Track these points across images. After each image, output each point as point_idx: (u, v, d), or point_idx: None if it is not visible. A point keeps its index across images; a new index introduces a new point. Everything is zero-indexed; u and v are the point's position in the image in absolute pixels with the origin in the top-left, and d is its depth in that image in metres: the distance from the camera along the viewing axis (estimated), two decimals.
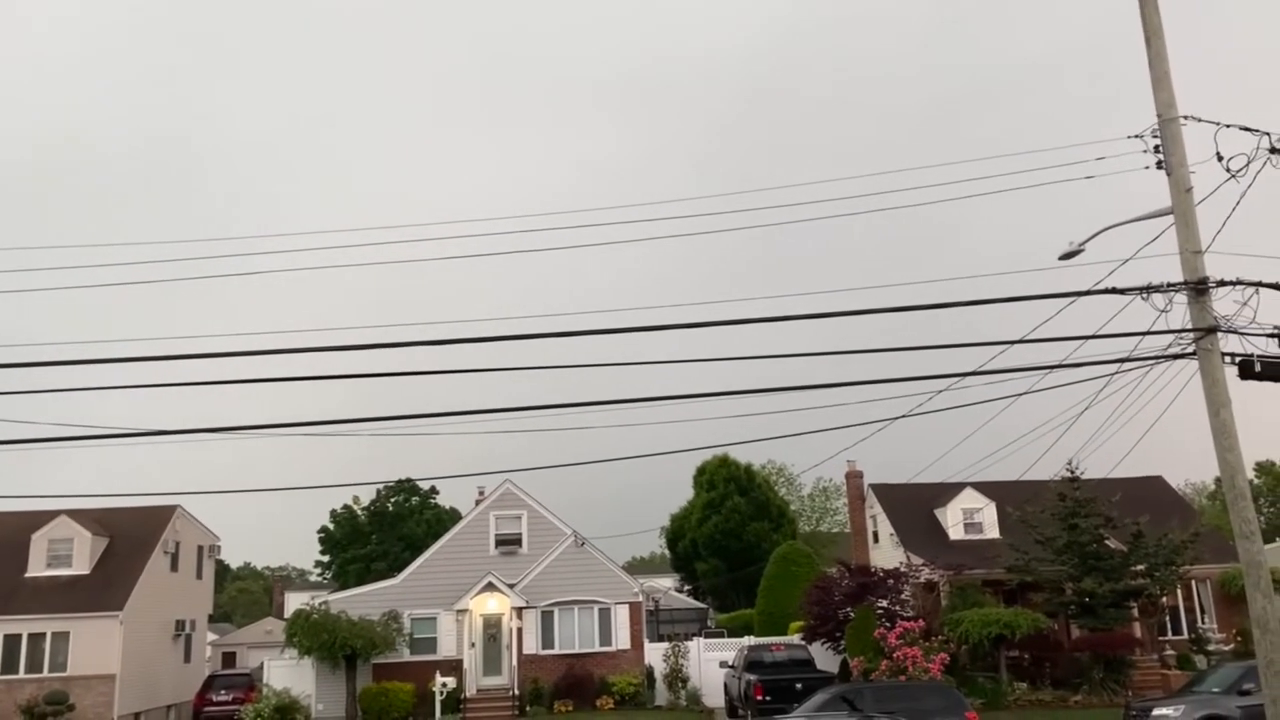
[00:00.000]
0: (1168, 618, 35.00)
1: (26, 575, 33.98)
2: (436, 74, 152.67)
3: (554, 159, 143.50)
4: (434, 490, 66.60)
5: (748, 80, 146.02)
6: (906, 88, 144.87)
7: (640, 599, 34.75)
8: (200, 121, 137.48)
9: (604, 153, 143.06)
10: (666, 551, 65.77)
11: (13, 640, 32.12)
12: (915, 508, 39.31)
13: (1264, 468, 62.02)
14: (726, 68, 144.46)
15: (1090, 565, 30.85)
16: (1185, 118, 12.57)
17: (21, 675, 31.71)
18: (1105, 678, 29.31)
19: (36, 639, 32.22)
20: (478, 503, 37.13)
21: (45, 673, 31.81)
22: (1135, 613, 32.19)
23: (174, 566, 37.85)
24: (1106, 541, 31.46)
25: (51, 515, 34.56)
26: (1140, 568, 31.04)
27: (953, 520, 38.16)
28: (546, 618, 33.52)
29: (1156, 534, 31.30)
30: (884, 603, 31.10)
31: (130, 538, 35.82)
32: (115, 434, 13.76)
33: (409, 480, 60.79)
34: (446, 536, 36.23)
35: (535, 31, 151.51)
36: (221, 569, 74.58)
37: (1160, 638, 34.13)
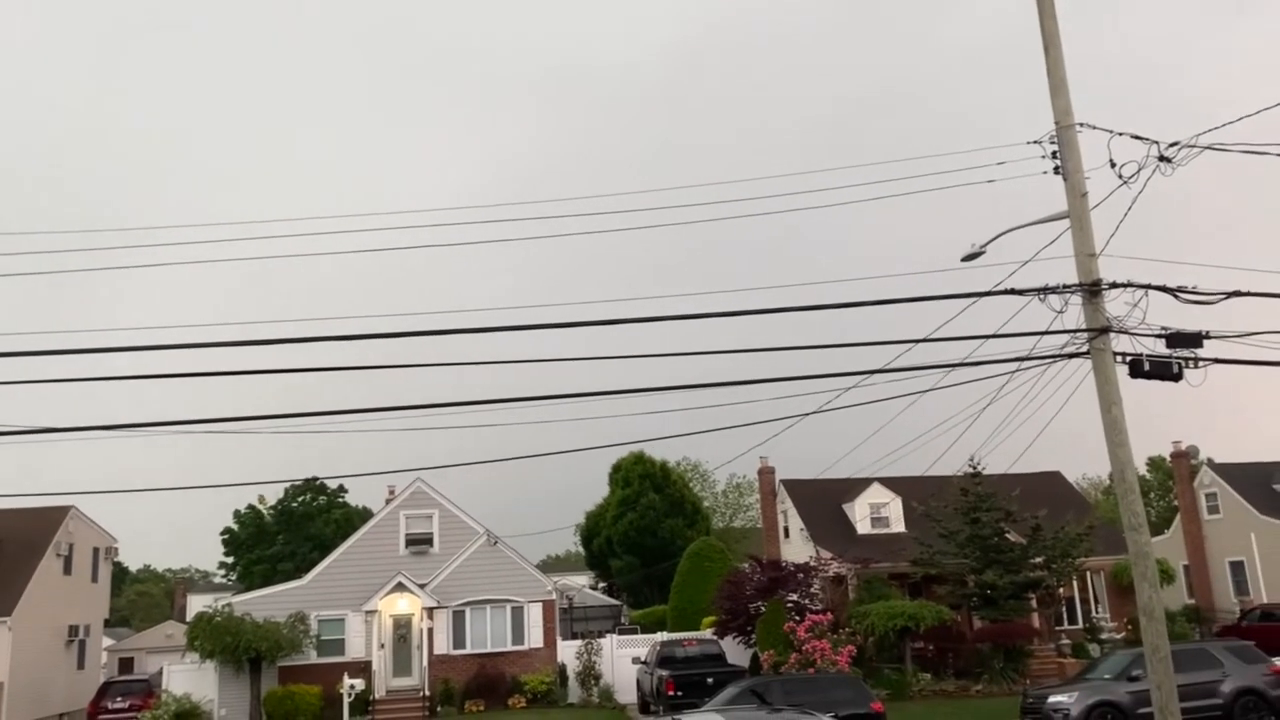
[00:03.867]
0: (1064, 608, 36.30)
1: None
2: (337, 69, 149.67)
3: (460, 157, 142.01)
4: (342, 489, 65.28)
5: (661, 80, 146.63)
6: (810, 90, 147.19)
7: (554, 597, 34.64)
8: (99, 109, 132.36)
9: (512, 151, 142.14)
10: (581, 549, 65.66)
11: None
12: (824, 503, 39.96)
13: (1155, 463, 64.60)
14: (638, 68, 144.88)
15: (991, 558, 31.78)
16: (1081, 125, 13.00)
17: None
18: (1005, 667, 30.23)
19: None
20: (388, 502, 36.52)
21: None
22: (1034, 604, 33.28)
23: (67, 569, 36.41)
24: (1007, 535, 32.45)
25: None
26: (1039, 560, 32.09)
27: (860, 515, 38.91)
28: (458, 617, 33.17)
29: (1054, 527, 32.40)
30: (794, 597, 31.57)
31: (19, 540, 34.33)
32: (3, 431, 13.14)
33: (316, 479, 59.47)
34: (355, 536, 35.55)
35: (454, 30, 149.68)
36: (120, 572, 72.08)
37: (1057, 627, 35.37)
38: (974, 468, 32.09)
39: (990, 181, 14.77)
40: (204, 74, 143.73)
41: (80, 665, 37.90)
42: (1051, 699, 20.98)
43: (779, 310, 12.83)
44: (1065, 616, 36.39)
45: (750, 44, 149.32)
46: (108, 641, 51.27)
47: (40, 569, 33.76)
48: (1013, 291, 13.56)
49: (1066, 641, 34.18)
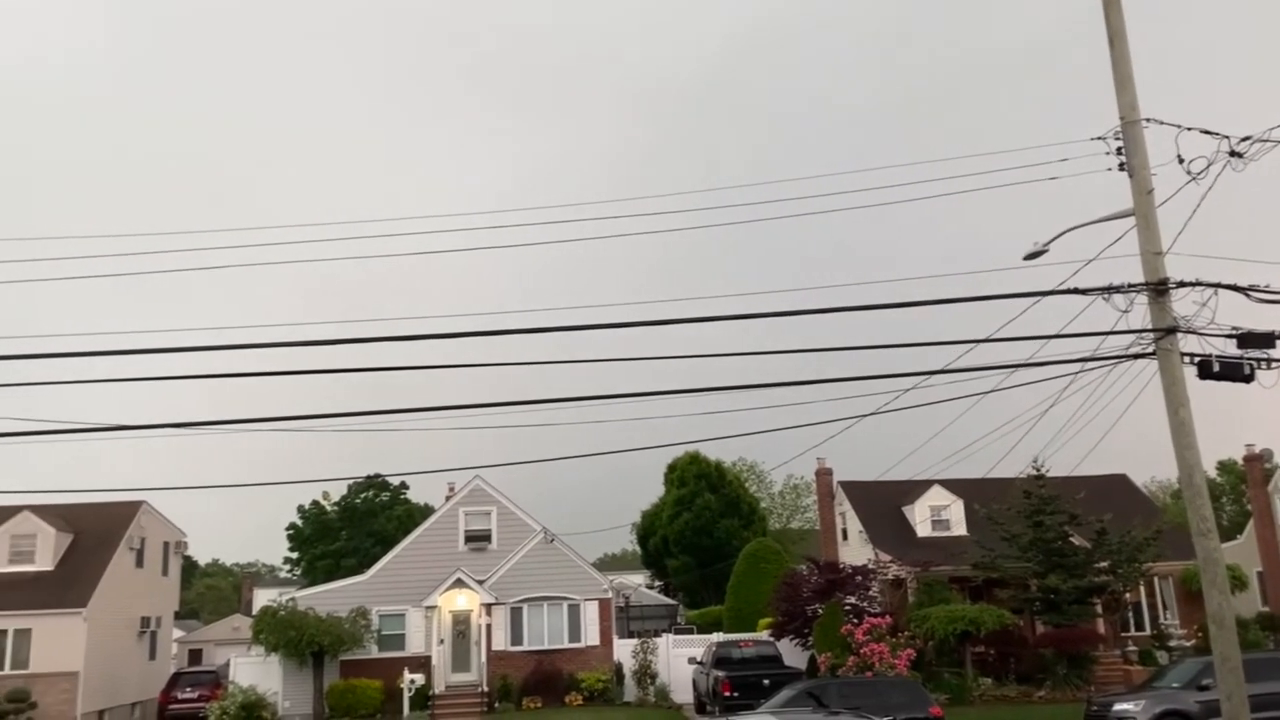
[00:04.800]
0: (1130, 614, 35.51)
1: None
2: (388, 72, 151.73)
3: (523, 155, 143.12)
4: (404, 486, 66.29)
5: (710, 82, 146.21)
6: (867, 89, 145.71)
7: (609, 595, 34.78)
8: (136, 118, 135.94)
9: (556, 153, 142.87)
10: (637, 548, 65.81)
11: None
12: (884, 505, 39.59)
13: (1227, 466, 62.86)
14: (687, 67, 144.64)
15: (1055, 562, 31.22)
16: (1147, 120, 12.73)
17: None
18: (1069, 673, 29.67)
19: None
20: (447, 499, 37.01)
21: (7, 670, 31.37)
22: (1099, 609, 32.61)
23: (139, 563, 37.44)
24: (1071, 538, 31.85)
25: (14, 511, 34.10)
26: (1104, 564, 31.45)
27: (920, 517, 38.46)
28: (516, 614, 33.47)
29: (1120, 531, 31.72)
30: (852, 599, 31.30)
31: (95, 533, 35.40)
32: (78, 429, 13.60)
33: (379, 476, 60.41)
34: (415, 533, 36.09)
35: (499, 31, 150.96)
36: (189, 565, 73.85)
37: (1123, 634, 34.61)
38: (1037, 470, 31.56)
39: (1053, 179, 14.55)
40: (250, 76, 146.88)
41: (152, 656, 38.95)
42: (1117, 707, 20.55)
43: (836, 310, 12.75)
44: (1132, 622, 35.59)
45: (800, 40, 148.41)
46: (178, 633, 52.62)
47: (114, 562, 34.75)
48: (1076, 291, 13.33)
49: (1133, 648, 33.43)
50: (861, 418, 15.91)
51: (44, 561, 33.95)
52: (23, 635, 31.87)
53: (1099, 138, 13.30)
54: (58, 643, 31.75)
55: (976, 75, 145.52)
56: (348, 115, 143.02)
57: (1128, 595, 34.01)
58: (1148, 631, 35.23)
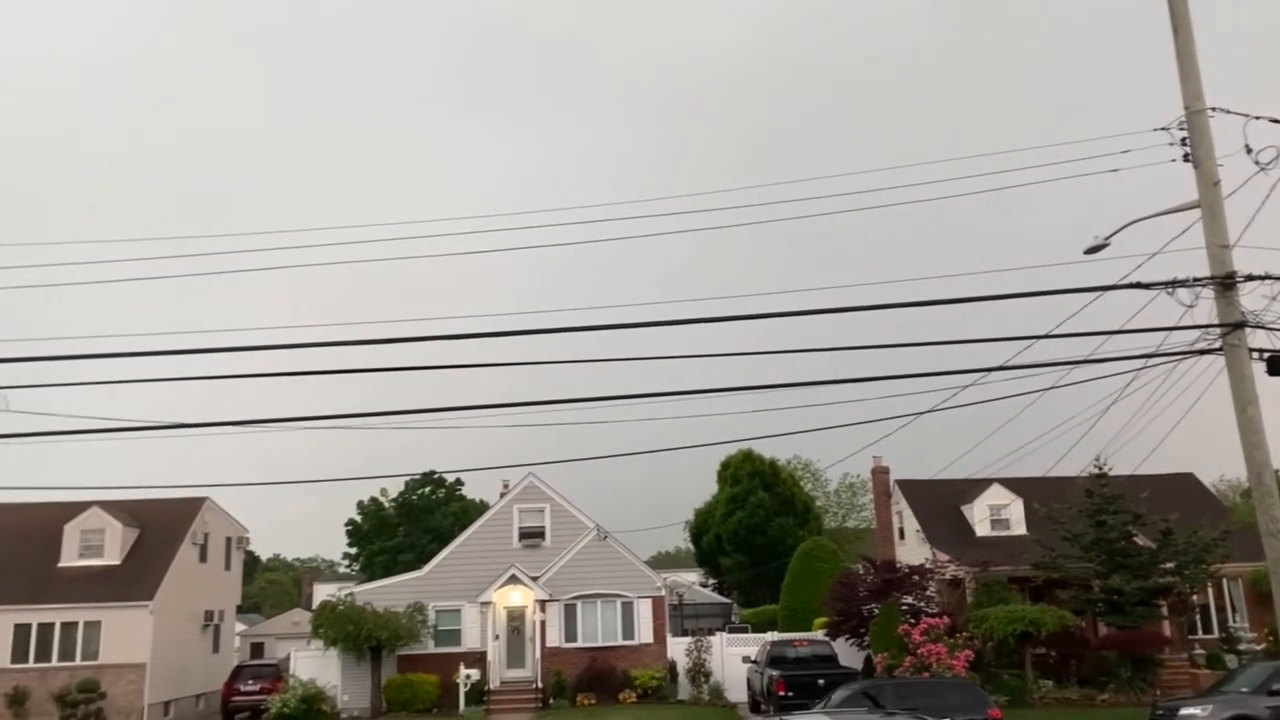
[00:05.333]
0: (1198, 616, 34.64)
1: (60, 565, 34.52)
2: (420, 73, 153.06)
3: (559, 157, 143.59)
4: (459, 483, 66.99)
5: (757, 77, 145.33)
6: (923, 79, 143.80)
7: (663, 593, 34.79)
8: (187, 122, 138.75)
9: (610, 150, 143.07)
10: (691, 546, 65.73)
11: (46, 629, 32.63)
12: (941, 504, 39.07)
13: None
14: (730, 63, 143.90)
15: (1118, 562, 30.56)
16: (1213, 109, 12.40)
17: (55, 664, 32.20)
18: (1133, 676, 29.02)
19: (69, 628, 32.71)
20: (502, 496, 37.31)
21: (78, 661, 32.28)
22: (1164, 611, 31.86)
23: (203, 557, 38.28)
24: (1135, 538, 31.16)
25: (83, 506, 35.06)
26: (1169, 565, 30.70)
27: (979, 516, 37.90)
28: (569, 611, 33.63)
29: (1186, 531, 30.94)
30: (909, 599, 30.94)
31: (160, 529, 36.27)
32: (141, 426, 13.94)
33: (435, 473, 61.15)
34: (471, 529, 36.44)
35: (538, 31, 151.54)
36: (251, 560, 75.38)
37: (1190, 636, 33.77)
38: (1100, 468, 30.90)
39: (1114, 171, 14.23)
40: (298, 78, 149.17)
41: (215, 649, 39.82)
42: (1184, 711, 20.05)
43: (893, 306, 12.61)
44: (1199, 625, 34.71)
45: (850, 28, 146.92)
46: (240, 627, 53.72)
47: (178, 557, 35.57)
48: (1139, 285, 13.02)
49: (1200, 651, 32.60)
50: (919, 415, 15.74)
51: (112, 556, 34.86)
52: (92, 627, 32.78)
53: (1162, 128, 12.99)
54: (125, 635, 32.59)
55: (1034, 65, 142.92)
56: (379, 118, 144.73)
57: (1195, 597, 33.18)
58: (1216, 634, 34.31)
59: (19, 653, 32.36)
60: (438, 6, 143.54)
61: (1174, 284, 12.56)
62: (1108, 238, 14.51)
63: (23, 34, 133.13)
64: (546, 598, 33.30)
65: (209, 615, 38.93)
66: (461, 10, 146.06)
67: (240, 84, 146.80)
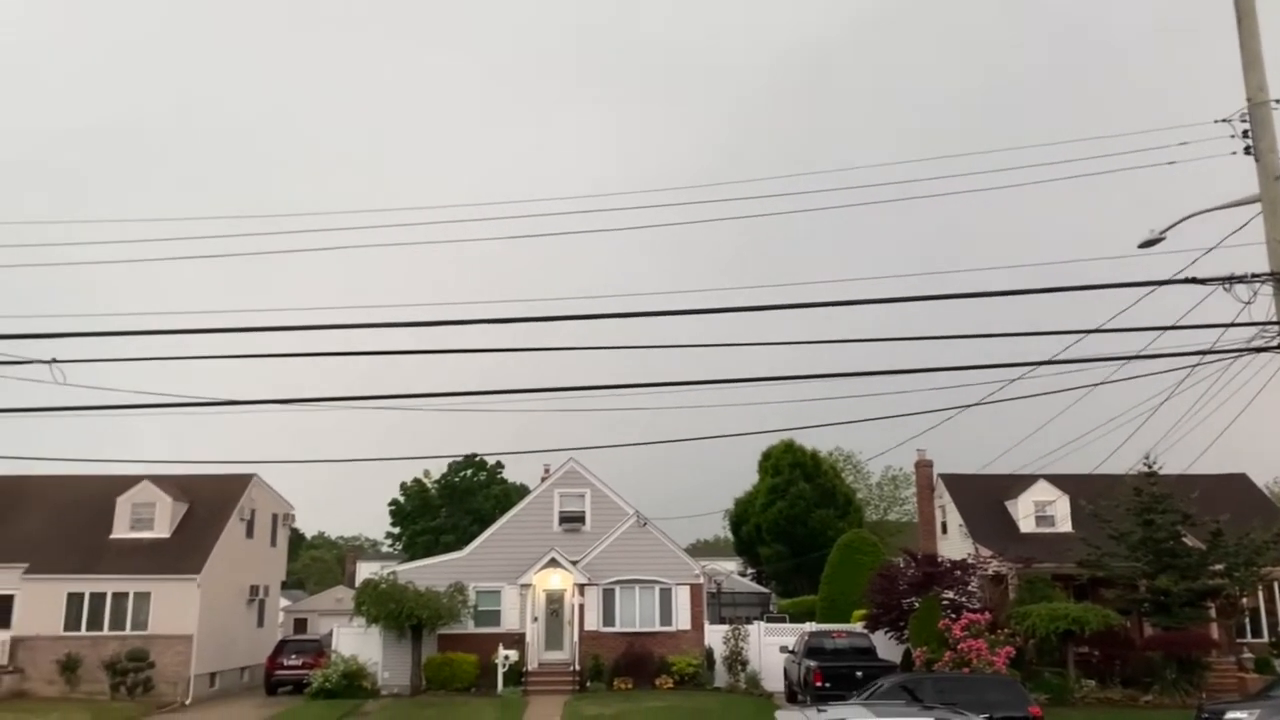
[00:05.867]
0: (1247, 619, 33.95)
1: (111, 537, 35.31)
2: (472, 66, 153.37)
3: (598, 142, 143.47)
4: (500, 466, 67.54)
5: (808, 66, 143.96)
6: (976, 74, 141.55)
7: (701, 581, 34.83)
8: (242, 103, 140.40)
9: (651, 140, 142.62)
10: (730, 535, 65.73)
11: (98, 599, 33.42)
12: (985, 499, 38.65)
13: None
14: (787, 51, 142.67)
15: (1166, 562, 30.04)
16: (1277, 101, 12.13)
17: (105, 632, 32.98)
18: (1178, 678, 28.54)
19: (120, 598, 33.47)
20: (543, 480, 37.54)
21: (128, 631, 33.02)
22: (1212, 613, 31.29)
23: (249, 533, 38.94)
24: (1184, 539, 30.61)
25: (135, 480, 35.83)
26: (1219, 567, 30.14)
27: (1024, 512, 37.44)
28: (608, 595, 33.80)
29: (1237, 532, 30.34)
30: (950, 594, 30.67)
31: (208, 504, 36.95)
32: (191, 403, 14.21)
33: (476, 456, 61.68)
34: (512, 512, 36.72)
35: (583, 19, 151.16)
36: (296, 538, 76.62)
37: (1238, 639, 33.14)
38: (1149, 467, 30.37)
39: (1171, 163, 13.92)
40: (383, 69, 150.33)
41: (260, 623, 40.53)
42: (1230, 714, 19.67)
43: (942, 297, 12.47)
44: (1248, 628, 34.02)
45: (903, 18, 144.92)
46: (284, 602, 54.61)
47: (226, 532, 36.22)
48: (1195, 280, 12.76)
49: (1249, 655, 31.97)
50: (966, 407, 15.57)
51: (161, 529, 35.58)
52: (142, 598, 33.51)
53: (1223, 120, 12.71)
54: (174, 607, 33.29)
55: (1095, 57, 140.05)
56: (465, 106, 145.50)
57: (1244, 599, 32.52)
58: (1265, 638, 33.63)
59: (71, 621, 33.18)
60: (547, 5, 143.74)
61: (1231, 279, 12.30)
62: (1163, 232, 14.24)
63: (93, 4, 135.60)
64: (585, 582, 33.48)
65: (254, 590, 39.60)
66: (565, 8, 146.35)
67: (324, 61, 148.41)
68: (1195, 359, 13.41)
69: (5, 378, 13.77)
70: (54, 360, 13.00)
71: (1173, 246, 13.87)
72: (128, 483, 35.87)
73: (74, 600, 33.38)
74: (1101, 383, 14.62)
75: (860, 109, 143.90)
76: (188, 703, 31.88)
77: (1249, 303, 12.11)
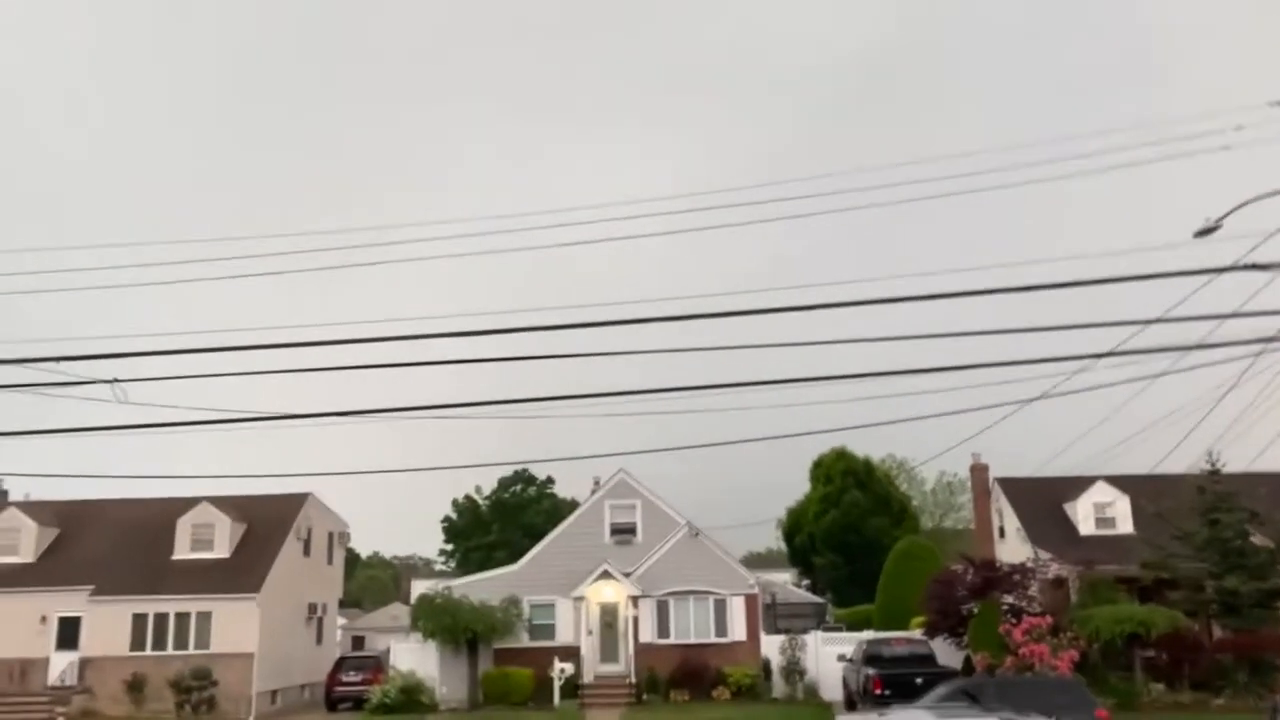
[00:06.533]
0: None
1: (173, 558, 36.00)
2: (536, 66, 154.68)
3: (654, 154, 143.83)
4: (550, 480, 67.79)
5: (860, 63, 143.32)
6: (1022, 63, 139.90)
7: (756, 591, 34.59)
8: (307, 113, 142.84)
9: (712, 144, 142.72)
10: (783, 546, 65.25)
11: (161, 619, 34.07)
12: (1043, 502, 37.98)
13: None
14: (837, 47, 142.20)
15: (1234, 563, 29.26)
16: None
17: (170, 651, 33.61)
18: (1250, 681, 27.73)
19: (183, 618, 34.09)
20: (593, 492, 37.58)
21: (191, 649, 33.62)
22: None
23: (306, 552, 39.45)
24: (1251, 538, 29.80)
25: (194, 502, 36.53)
26: None
27: (1083, 514, 36.73)
28: (662, 607, 33.69)
29: None
30: (1009, 598, 30.12)
31: (266, 523, 37.53)
32: (246, 418, 14.45)
33: (526, 470, 61.98)
34: (563, 525, 36.83)
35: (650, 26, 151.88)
36: (352, 558, 77.52)
37: None
38: (1212, 464, 29.64)
39: (1225, 149, 13.63)
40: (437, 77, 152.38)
41: (318, 641, 41.01)
42: None
43: (995, 291, 12.30)
44: None
45: (959, 19, 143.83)
46: (341, 620, 55.19)
47: (283, 551, 36.76)
48: (1255, 267, 12.50)
49: None
50: (1027, 402, 15.33)
51: (221, 549, 36.20)
52: (204, 618, 34.10)
53: (1278, 103, 12.44)
54: (235, 626, 33.82)
55: (1146, 44, 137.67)
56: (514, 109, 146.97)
57: None
58: None
59: (137, 640, 33.87)
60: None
61: None
62: (1220, 219, 13.96)
63: (153, 15, 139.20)
64: (639, 594, 33.42)
65: (313, 608, 40.10)
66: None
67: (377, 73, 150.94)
68: (1258, 347, 13.11)
69: (69, 398, 14.12)
70: (115, 380, 13.31)
71: (1230, 234, 13.57)
72: (187, 504, 36.57)
73: (139, 621, 34.07)
74: (1163, 374, 14.35)
75: (920, 103, 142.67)
76: (251, 719, 32.29)
77: None
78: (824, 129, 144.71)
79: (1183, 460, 27.99)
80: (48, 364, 13.74)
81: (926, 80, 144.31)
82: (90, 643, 33.92)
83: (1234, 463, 29.14)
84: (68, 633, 34.31)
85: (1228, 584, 29.05)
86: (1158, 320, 12.82)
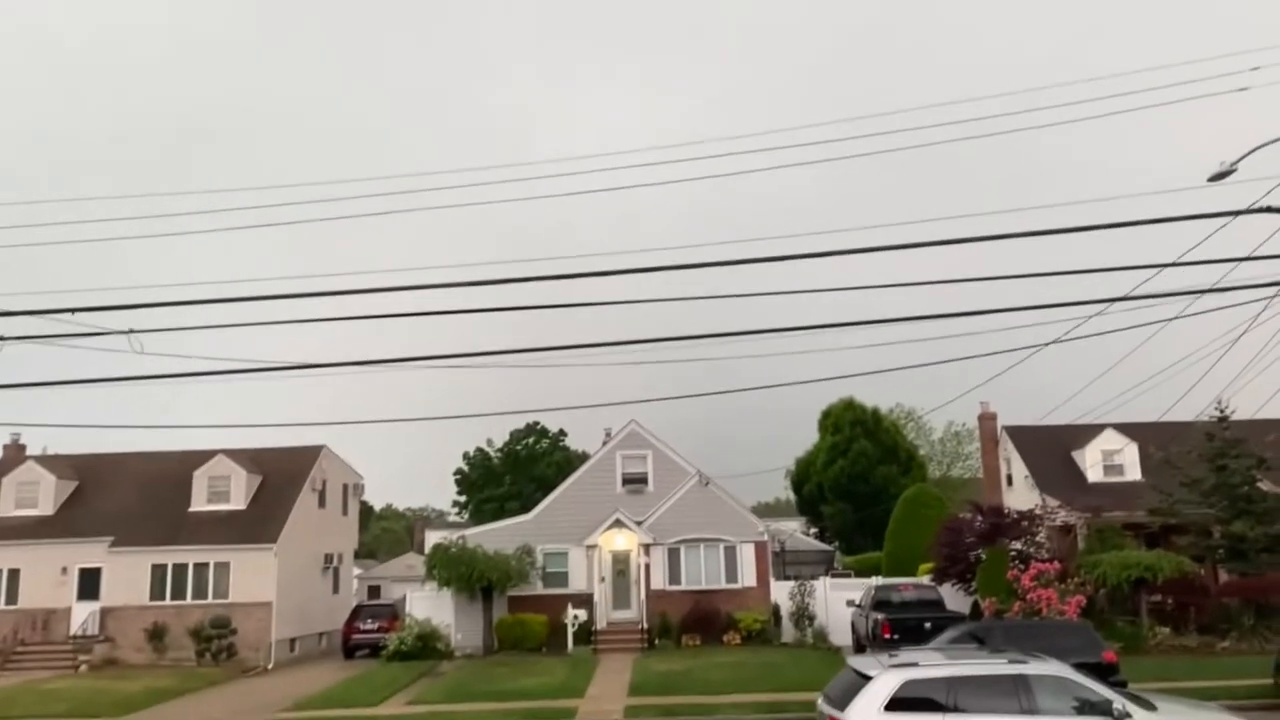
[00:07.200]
0: None
1: (190, 510, 36.45)
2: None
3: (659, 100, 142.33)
4: (562, 433, 68.13)
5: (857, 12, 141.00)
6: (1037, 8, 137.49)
7: (765, 538, 34.97)
8: (331, 81, 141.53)
9: (715, 90, 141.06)
10: (792, 496, 65.69)
11: (180, 569, 34.60)
12: (1051, 450, 38.17)
13: None
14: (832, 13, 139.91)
15: (1241, 508, 29.46)
16: None
17: (189, 601, 34.18)
18: (1256, 624, 28.05)
19: (201, 569, 34.61)
20: (604, 443, 37.84)
21: (210, 599, 34.17)
22: None
23: (321, 503, 39.88)
24: (1259, 484, 29.95)
25: (210, 454, 36.91)
26: None
27: (1091, 462, 36.92)
28: (673, 555, 34.11)
29: None
30: (1017, 544, 30.43)
31: (281, 475, 37.92)
32: (261, 368, 14.60)
33: (538, 424, 62.29)
34: (575, 475, 37.14)
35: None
36: (366, 510, 78.33)
37: None
38: (1222, 411, 29.72)
39: (1243, 90, 13.52)
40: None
41: (335, 590, 41.63)
42: None
43: (1007, 236, 12.30)
44: None
45: None
46: (357, 570, 55.94)
47: (299, 502, 37.17)
48: (1271, 210, 12.46)
49: None
50: (1042, 346, 15.38)
51: (238, 501, 36.62)
52: (222, 568, 34.61)
53: None
54: (253, 576, 34.34)
55: None
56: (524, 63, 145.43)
57: None
58: None
59: (156, 590, 34.43)
60: None
61: None
62: (1234, 163, 13.88)
63: None
64: (650, 541, 33.81)
65: (329, 558, 40.64)
66: None
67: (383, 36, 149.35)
68: (1273, 290, 13.11)
69: (87, 349, 14.26)
70: (131, 330, 13.43)
71: (1245, 177, 13.51)
72: (203, 457, 36.94)
73: (158, 571, 34.60)
74: (1177, 317, 14.37)
75: (932, 50, 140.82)
76: (270, 667, 32.92)
77: None
78: (830, 86, 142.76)
79: (1192, 408, 28.01)
80: (63, 315, 13.86)
81: (939, 25, 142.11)
82: (111, 593, 34.50)
83: (1243, 409, 29.23)
84: (88, 583, 34.87)
85: (1235, 529, 29.26)
86: (1172, 264, 12.83)
